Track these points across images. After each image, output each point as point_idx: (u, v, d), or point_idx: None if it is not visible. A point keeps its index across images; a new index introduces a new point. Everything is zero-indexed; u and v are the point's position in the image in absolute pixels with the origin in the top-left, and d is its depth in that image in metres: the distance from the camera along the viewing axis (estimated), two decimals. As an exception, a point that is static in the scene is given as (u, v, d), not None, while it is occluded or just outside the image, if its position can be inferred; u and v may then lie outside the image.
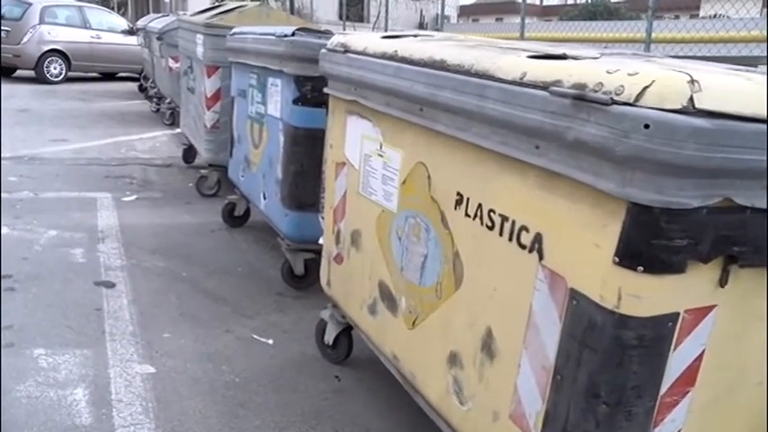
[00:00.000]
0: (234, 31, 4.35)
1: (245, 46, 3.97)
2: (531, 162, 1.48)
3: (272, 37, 3.39)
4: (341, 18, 24.26)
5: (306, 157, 3.28)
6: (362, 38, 2.42)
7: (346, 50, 2.40)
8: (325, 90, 2.66)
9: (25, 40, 12.72)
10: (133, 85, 13.10)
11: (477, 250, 1.75)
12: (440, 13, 29.65)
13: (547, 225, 1.49)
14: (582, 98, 1.30)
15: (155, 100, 10.11)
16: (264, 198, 3.79)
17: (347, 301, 2.59)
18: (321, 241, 2.83)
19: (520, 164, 1.53)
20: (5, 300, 3.25)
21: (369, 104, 2.30)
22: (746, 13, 8.84)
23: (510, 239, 1.60)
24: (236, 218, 4.67)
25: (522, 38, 8.54)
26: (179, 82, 7.23)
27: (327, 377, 2.77)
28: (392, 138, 2.20)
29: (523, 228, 1.55)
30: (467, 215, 1.78)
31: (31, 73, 12.96)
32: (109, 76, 14.44)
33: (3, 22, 12.91)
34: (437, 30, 24.92)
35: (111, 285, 3.52)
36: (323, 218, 2.85)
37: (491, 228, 1.67)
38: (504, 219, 1.62)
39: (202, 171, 5.43)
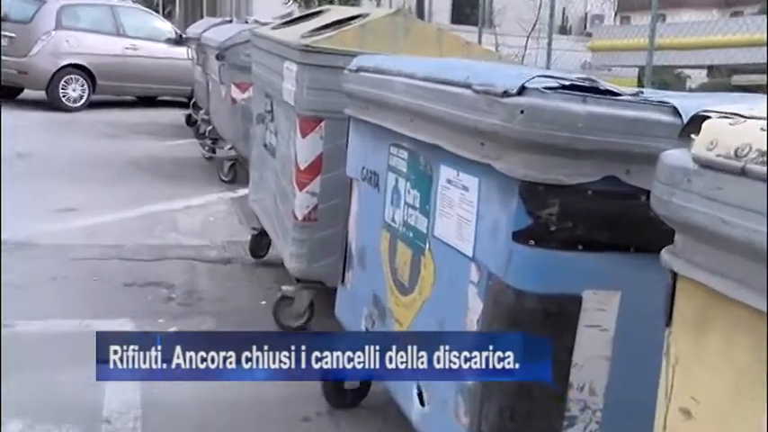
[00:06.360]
0: (359, 63, 3.16)
1: (388, 96, 2.75)
2: None
3: (467, 91, 2.10)
4: (452, 21, 23.42)
5: (541, 358, 1.96)
6: None
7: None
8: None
9: (35, 51, 12.15)
10: (179, 115, 12.47)
11: None
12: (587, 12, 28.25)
13: None
14: None
15: (208, 141, 9.33)
16: (422, 404, 2.48)
17: None
18: None
19: None
20: None
21: None
22: None
23: None
24: (348, 393, 3.40)
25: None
26: (247, 124, 6.42)
27: None
28: None
29: None
30: None
31: (42, 95, 12.46)
32: (147, 101, 13.99)
33: (6, 24, 12.19)
34: (588, 35, 23.30)
35: None
36: None
37: None
38: None
39: (285, 288, 4.21)
